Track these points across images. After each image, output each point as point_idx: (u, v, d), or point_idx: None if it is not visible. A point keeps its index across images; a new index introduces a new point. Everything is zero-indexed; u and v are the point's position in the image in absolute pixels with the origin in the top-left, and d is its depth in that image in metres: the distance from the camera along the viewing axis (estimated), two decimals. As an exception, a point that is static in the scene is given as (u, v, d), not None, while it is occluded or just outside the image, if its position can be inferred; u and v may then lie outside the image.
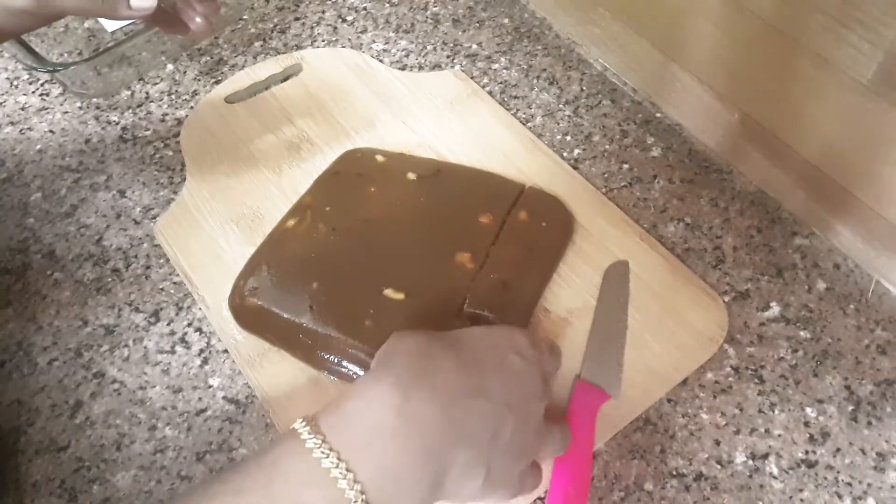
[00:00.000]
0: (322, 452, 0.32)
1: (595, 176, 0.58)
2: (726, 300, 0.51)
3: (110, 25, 0.71)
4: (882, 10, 0.40)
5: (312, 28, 0.71)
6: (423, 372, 0.35)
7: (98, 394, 0.49)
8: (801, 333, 0.49)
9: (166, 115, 0.64)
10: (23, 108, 0.66)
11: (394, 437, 0.33)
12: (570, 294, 0.51)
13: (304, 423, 0.34)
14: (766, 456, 0.44)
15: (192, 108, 0.64)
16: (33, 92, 0.67)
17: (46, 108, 0.66)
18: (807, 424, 0.46)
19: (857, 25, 0.42)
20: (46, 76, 0.67)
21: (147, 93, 0.66)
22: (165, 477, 0.45)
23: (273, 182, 0.58)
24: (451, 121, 0.61)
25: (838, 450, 0.45)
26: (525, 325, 0.49)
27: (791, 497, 0.43)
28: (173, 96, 0.66)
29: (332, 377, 0.47)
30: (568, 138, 0.61)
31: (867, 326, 0.49)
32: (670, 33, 0.57)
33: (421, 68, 0.66)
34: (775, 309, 0.50)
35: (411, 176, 0.55)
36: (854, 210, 0.50)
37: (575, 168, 0.58)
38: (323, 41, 0.69)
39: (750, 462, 0.44)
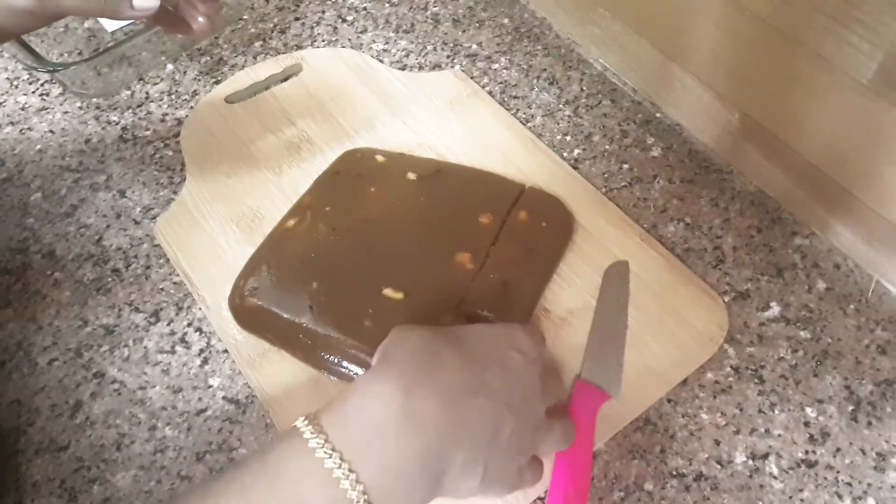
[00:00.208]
0: (325, 453, 0.32)
1: (595, 176, 0.58)
2: (726, 300, 0.51)
3: (110, 25, 0.71)
4: (882, 10, 0.40)
5: (312, 28, 0.71)
6: (425, 368, 0.35)
7: (98, 394, 0.49)
8: (801, 333, 0.49)
9: (166, 115, 0.64)
10: (23, 108, 0.66)
11: (396, 436, 0.33)
12: (570, 294, 0.51)
13: (306, 422, 0.34)
14: (766, 456, 0.44)
15: (192, 108, 0.64)
16: (33, 92, 0.67)
17: (46, 108, 0.66)
18: (807, 424, 0.46)
19: (857, 25, 0.42)
20: (46, 76, 0.67)
21: (147, 93, 0.66)
22: (165, 477, 0.45)
23: (273, 182, 0.58)
24: (451, 121, 0.61)
25: (838, 450, 0.45)
26: (525, 325, 0.49)
27: (791, 497, 0.43)
28: (173, 96, 0.66)
29: (332, 377, 0.47)
30: (568, 138, 0.61)
31: (867, 326, 0.49)
32: (670, 33, 0.57)
33: (421, 68, 0.66)
34: (775, 309, 0.50)
35: (411, 176, 0.55)
36: (854, 210, 0.50)
37: (575, 168, 0.58)
38: (323, 41, 0.69)
39: (750, 462, 0.44)
